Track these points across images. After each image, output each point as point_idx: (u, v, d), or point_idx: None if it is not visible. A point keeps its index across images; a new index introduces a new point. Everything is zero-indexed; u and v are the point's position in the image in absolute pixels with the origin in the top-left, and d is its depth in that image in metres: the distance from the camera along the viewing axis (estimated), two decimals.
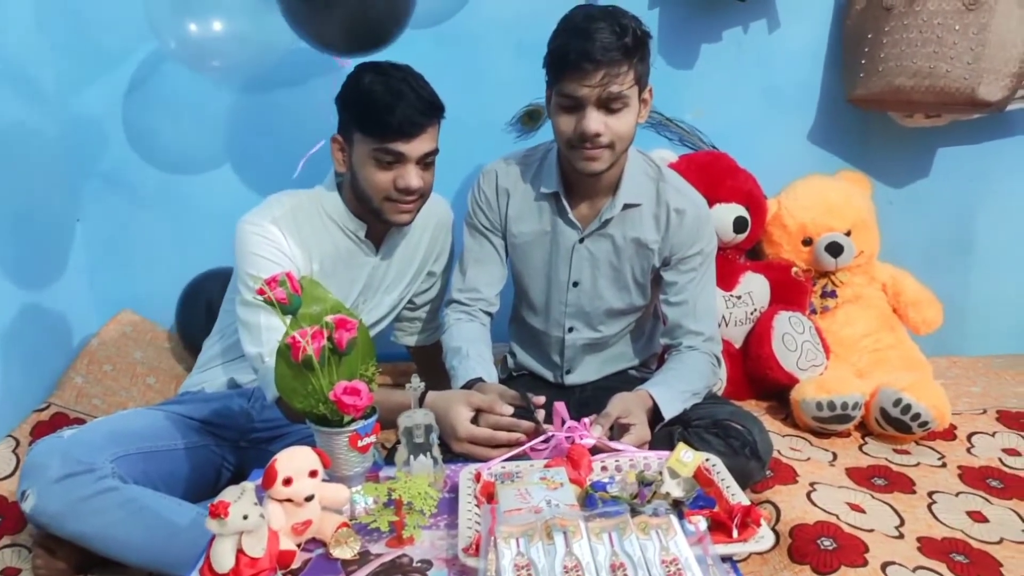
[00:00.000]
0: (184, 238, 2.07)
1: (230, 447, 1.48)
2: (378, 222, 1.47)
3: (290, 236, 1.43)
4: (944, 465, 1.59)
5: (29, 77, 1.83)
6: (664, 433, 1.36)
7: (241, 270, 1.40)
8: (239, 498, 0.83)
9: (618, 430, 1.26)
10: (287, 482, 0.92)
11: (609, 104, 1.33)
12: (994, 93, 1.79)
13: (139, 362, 1.94)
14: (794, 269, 2.00)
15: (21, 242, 1.77)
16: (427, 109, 1.37)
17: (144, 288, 2.07)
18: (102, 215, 2.03)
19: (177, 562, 1.16)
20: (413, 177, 1.38)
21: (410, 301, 1.71)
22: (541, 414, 1.26)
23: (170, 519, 1.23)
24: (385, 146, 1.36)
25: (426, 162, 1.41)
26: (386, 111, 1.34)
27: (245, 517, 0.82)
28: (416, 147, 1.37)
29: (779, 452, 1.58)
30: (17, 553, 1.38)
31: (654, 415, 1.35)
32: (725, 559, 0.91)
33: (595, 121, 1.33)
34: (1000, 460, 1.60)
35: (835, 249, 1.97)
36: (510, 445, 1.22)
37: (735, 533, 0.94)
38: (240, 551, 0.83)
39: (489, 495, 1.03)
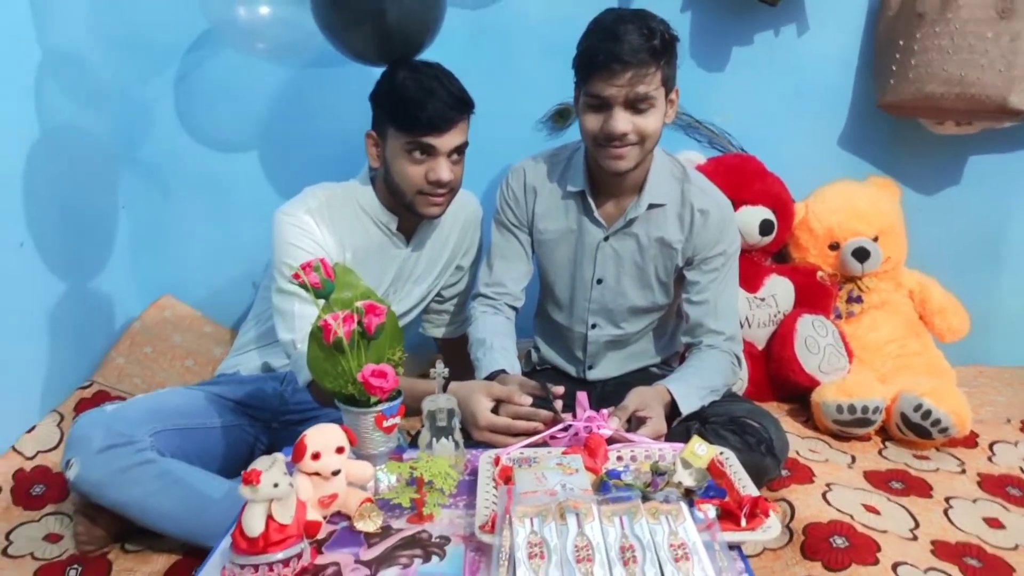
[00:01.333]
0: (224, 227, 2.14)
1: (263, 427, 1.54)
2: (410, 215, 1.52)
3: (324, 227, 1.48)
4: (963, 471, 1.59)
5: (76, 70, 1.91)
6: (681, 428, 1.38)
7: (277, 259, 1.45)
8: (270, 467, 0.87)
9: (635, 423, 1.29)
10: (315, 456, 0.97)
11: (636, 104, 1.36)
12: None
13: (178, 345, 2.02)
14: (819, 273, 2.01)
15: (69, 229, 1.85)
16: (457, 104, 1.42)
17: (184, 275, 2.15)
18: (145, 204, 2.11)
19: (210, 532, 1.22)
20: (444, 170, 1.43)
21: (438, 294, 1.76)
22: (560, 404, 1.29)
23: (204, 492, 1.29)
24: (417, 140, 1.41)
25: (456, 156, 1.46)
26: (418, 106, 1.39)
27: (275, 485, 0.87)
28: (447, 141, 1.42)
29: (798, 453, 1.60)
30: (60, 520, 1.46)
31: (672, 410, 1.38)
32: (732, 547, 0.94)
33: (622, 121, 1.37)
34: (1021, 469, 1.59)
35: (862, 254, 1.97)
36: (528, 434, 1.25)
37: (743, 522, 0.96)
38: (270, 517, 0.88)
39: (507, 478, 1.07)
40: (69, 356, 1.82)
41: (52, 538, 1.42)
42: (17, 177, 1.66)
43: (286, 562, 0.88)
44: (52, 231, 1.77)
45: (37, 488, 1.53)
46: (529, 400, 1.30)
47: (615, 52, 1.32)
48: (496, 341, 1.51)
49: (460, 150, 1.46)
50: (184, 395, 1.49)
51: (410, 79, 1.42)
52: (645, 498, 0.97)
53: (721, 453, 1.13)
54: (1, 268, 1.61)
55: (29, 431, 1.65)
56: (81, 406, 1.73)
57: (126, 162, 2.08)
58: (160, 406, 1.40)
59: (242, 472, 1.32)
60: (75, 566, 1.33)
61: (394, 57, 1.51)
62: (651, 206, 1.51)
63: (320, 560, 0.94)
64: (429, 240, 1.63)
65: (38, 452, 1.61)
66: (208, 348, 2.04)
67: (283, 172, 2.12)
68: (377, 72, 1.51)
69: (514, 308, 1.63)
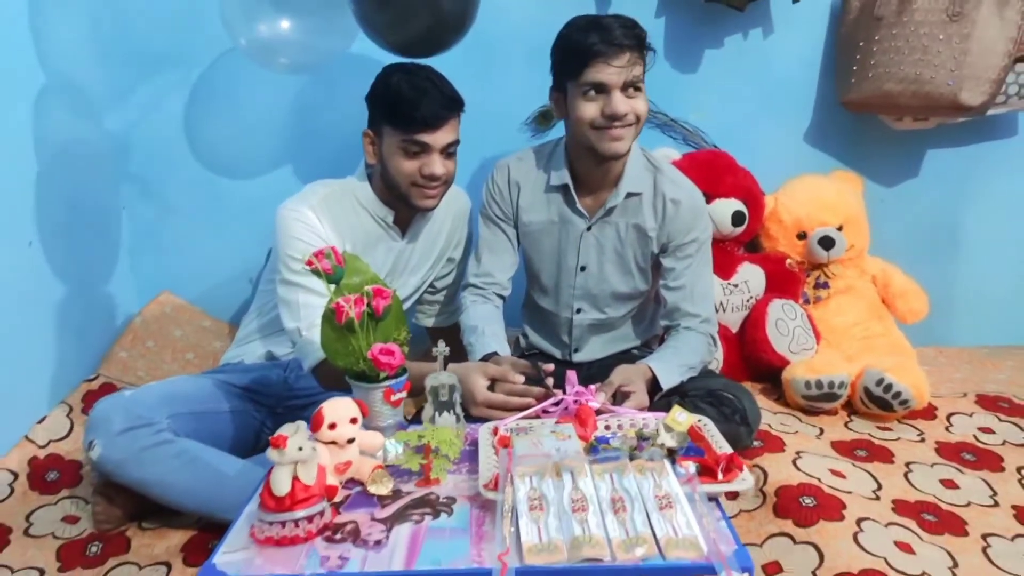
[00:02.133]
0: (220, 227, 2.21)
1: (268, 412, 1.63)
2: (405, 208, 1.62)
3: (325, 221, 1.57)
4: (923, 440, 1.72)
5: (80, 82, 1.98)
6: (662, 403, 1.48)
7: (281, 252, 1.54)
8: (295, 433, 0.97)
9: (620, 397, 1.40)
10: (332, 426, 1.06)
11: (631, 88, 1.48)
12: (975, 98, 1.92)
13: (179, 339, 2.09)
14: (788, 261, 2.13)
15: (73, 229, 1.92)
16: (449, 103, 1.52)
17: (182, 272, 2.22)
18: (145, 205, 2.18)
19: (226, 506, 1.30)
20: (437, 165, 1.52)
21: (431, 285, 1.86)
22: (550, 381, 1.40)
23: (219, 469, 1.37)
24: (412, 137, 1.50)
25: (448, 151, 1.55)
26: (412, 106, 1.49)
27: (300, 448, 0.96)
28: (440, 138, 1.51)
29: (769, 426, 1.71)
30: (76, 504, 1.53)
31: (653, 386, 1.49)
32: (711, 498, 1.05)
33: (622, 102, 1.47)
34: (975, 437, 1.72)
35: (827, 243, 2.09)
36: (522, 408, 1.35)
37: (720, 476, 1.07)
38: (295, 478, 0.97)
39: (505, 446, 1.17)
40: (73, 350, 1.89)
41: (70, 519, 1.48)
42: (26, 181, 1.73)
43: (310, 519, 0.97)
44: (58, 231, 1.84)
45: (52, 474, 1.60)
46: (522, 378, 1.40)
47: (609, 38, 1.43)
48: (487, 327, 1.61)
49: (452, 146, 1.55)
50: (194, 382, 1.57)
51: (404, 81, 1.51)
52: (632, 458, 1.07)
53: (699, 420, 1.24)
54: (11, 266, 1.67)
55: (40, 421, 1.71)
56: (89, 398, 1.80)
57: (127, 166, 2.15)
58: (174, 391, 1.48)
59: (253, 450, 1.41)
60: (96, 543, 1.40)
61: (424, 51, 1.61)
62: (628, 195, 1.61)
63: (339, 519, 1.03)
64: (423, 233, 1.72)
65: (50, 441, 1.67)
66: (208, 341, 2.12)
67: (278, 173, 2.19)
68: (371, 74, 1.60)
69: (502, 297, 1.73)
